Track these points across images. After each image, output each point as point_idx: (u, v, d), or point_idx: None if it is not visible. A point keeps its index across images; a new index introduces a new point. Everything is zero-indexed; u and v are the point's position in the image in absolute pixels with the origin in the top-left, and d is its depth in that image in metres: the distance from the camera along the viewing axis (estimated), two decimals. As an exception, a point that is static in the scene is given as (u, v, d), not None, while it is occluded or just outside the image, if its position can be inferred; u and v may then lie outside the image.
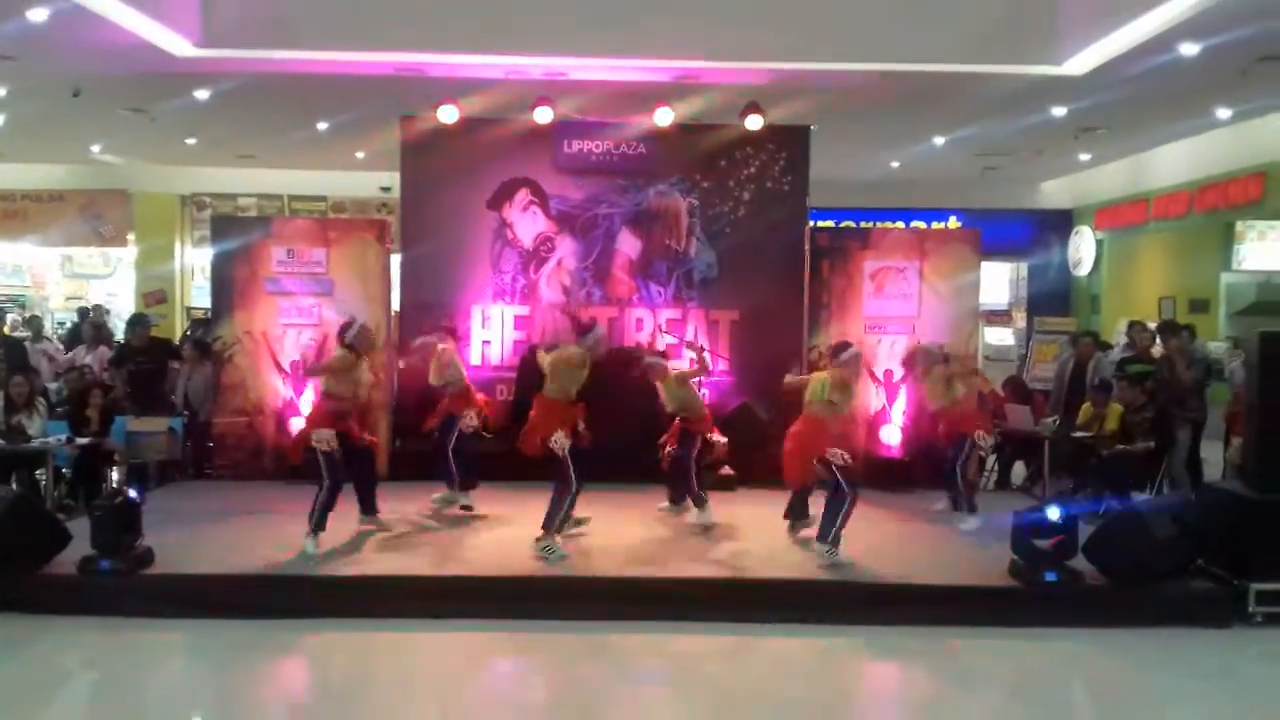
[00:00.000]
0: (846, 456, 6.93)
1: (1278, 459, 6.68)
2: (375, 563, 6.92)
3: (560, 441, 6.96)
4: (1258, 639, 6.35)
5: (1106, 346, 11.51)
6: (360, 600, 6.48)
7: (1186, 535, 6.69)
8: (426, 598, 6.46)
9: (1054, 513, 6.54)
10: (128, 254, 18.70)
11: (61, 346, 13.18)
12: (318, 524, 7.07)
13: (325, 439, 7.15)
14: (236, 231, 10.29)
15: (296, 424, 8.73)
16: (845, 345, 7.50)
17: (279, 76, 11.20)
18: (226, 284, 10.07)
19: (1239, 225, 13.56)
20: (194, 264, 18.56)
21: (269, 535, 7.53)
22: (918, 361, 8.73)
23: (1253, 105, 12.13)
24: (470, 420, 8.22)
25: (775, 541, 7.54)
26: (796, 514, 7.71)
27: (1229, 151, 13.63)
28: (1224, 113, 12.61)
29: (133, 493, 6.79)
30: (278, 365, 9.82)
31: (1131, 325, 10.64)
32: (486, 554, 7.15)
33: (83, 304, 17.03)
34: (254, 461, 9.79)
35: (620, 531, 7.68)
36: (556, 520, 7.03)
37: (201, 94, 12.06)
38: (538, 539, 7.00)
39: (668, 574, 6.77)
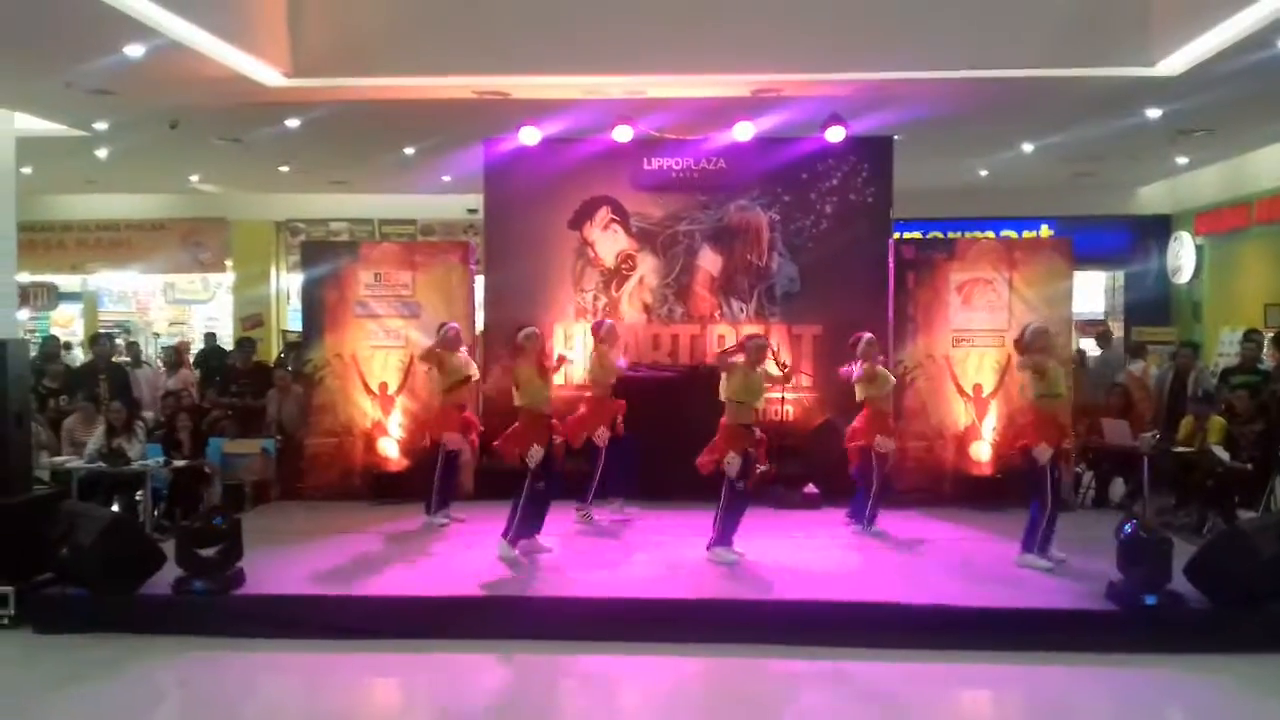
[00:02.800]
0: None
1: (1395, 474, 6.34)
2: (463, 583, 6.95)
3: (534, 454, 7.26)
4: (1374, 665, 6.01)
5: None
6: (436, 621, 6.50)
7: (1295, 555, 6.37)
8: (508, 621, 6.48)
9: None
10: (226, 279, 19.30)
11: (164, 370, 13.64)
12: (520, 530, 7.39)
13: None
14: (325, 257, 10.53)
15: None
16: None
17: (365, 104, 11.44)
18: (317, 308, 10.31)
19: (1348, 228, 12.97)
20: (288, 288, 19.06)
21: (357, 555, 7.65)
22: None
23: (1362, 101, 11.58)
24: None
25: (860, 560, 7.39)
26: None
27: (1336, 151, 13.06)
28: (1331, 110, 12.07)
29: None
30: (366, 387, 10.00)
31: (1246, 334, 10.20)
32: (599, 574, 7.19)
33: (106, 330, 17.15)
34: (344, 482, 9.97)
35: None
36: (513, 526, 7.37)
37: (292, 123, 12.38)
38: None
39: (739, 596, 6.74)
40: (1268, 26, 8.88)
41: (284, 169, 16.07)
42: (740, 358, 7.50)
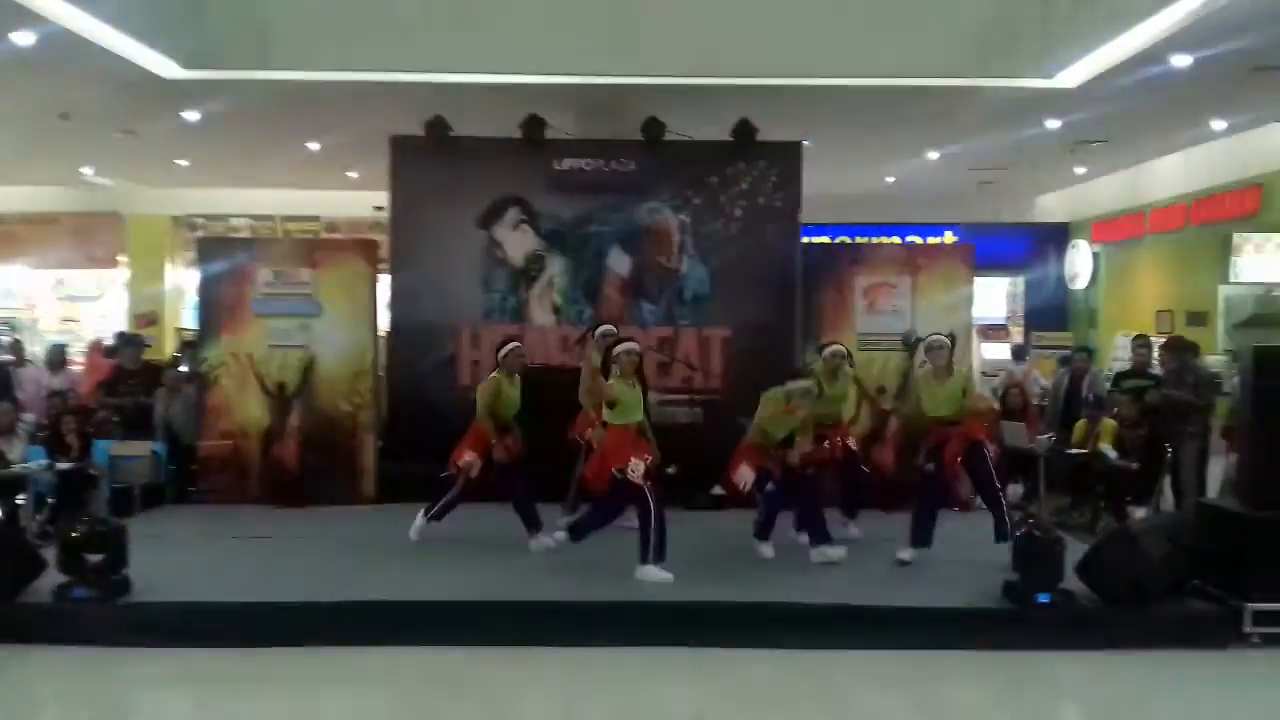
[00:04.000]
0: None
1: (1271, 474, 6.56)
2: (359, 589, 6.79)
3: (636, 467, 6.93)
4: (1254, 661, 6.20)
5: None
6: (352, 625, 6.34)
7: (1181, 554, 6.57)
8: (416, 622, 6.35)
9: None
10: (119, 276, 18.66)
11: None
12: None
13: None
14: (222, 253, 10.22)
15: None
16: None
17: (265, 97, 11.19)
18: (213, 306, 10.00)
19: (1236, 237, 13.48)
20: (186, 285, 18.52)
21: (254, 561, 7.43)
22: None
23: (1248, 117, 12.09)
24: None
25: (763, 560, 7.42)
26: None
27: (1225, 163, 13.59)
28: (1219, 124, 12.57)
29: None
30: (264, 387, 9.73)
31: (1135, 340, 10.52)
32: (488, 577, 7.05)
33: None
34: (240, 485, 9.68)
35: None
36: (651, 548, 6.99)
37: (190, 115, 12.05)
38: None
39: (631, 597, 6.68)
40: (1160, 43, 9.21)
41: (182, 163, 15.63)
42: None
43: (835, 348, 8.38)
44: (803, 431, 7.45)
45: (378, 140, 11.18)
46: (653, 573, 6.92)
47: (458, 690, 5.77)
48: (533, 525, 7.87)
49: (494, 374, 7.88)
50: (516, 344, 8.10)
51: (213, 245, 11.55)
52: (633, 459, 6.92)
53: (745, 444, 7.54)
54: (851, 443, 8.28)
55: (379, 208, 16.96)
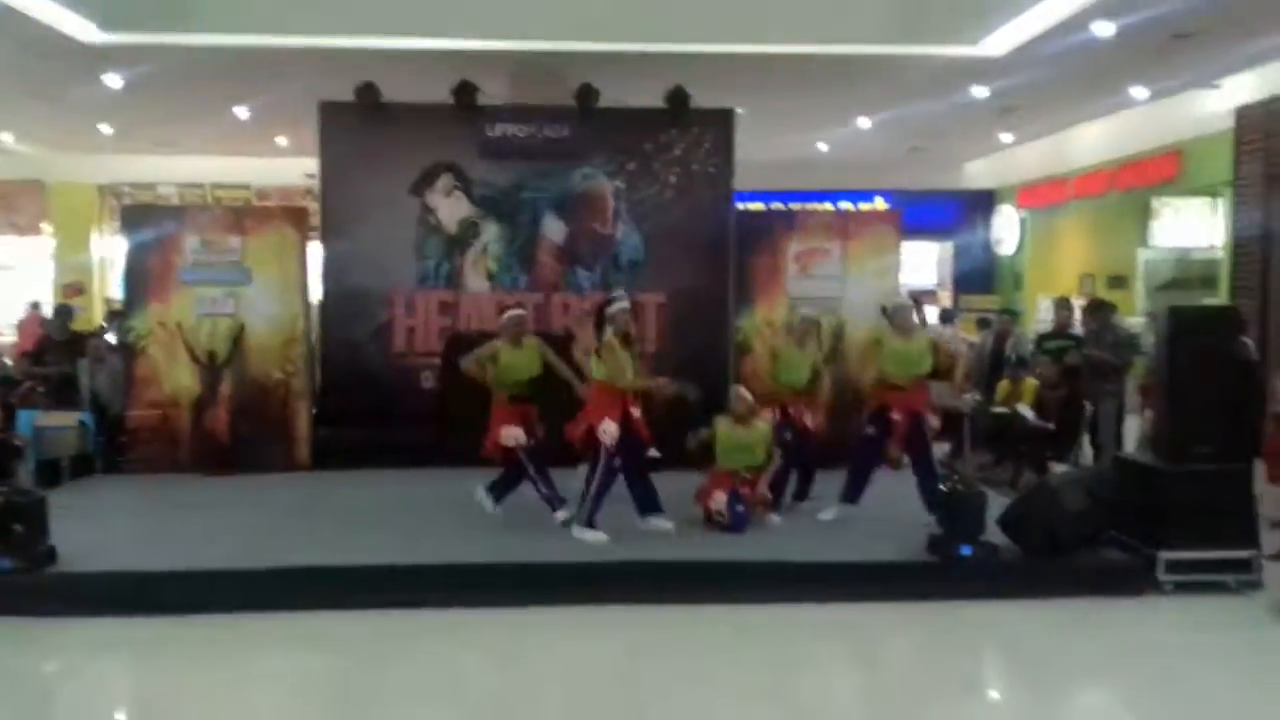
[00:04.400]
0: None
1: (1185, 430, 6.80)
2: (293, 554, 6.77)
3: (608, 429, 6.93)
4: (1167, 607, 6.46)
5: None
6: (286, 591, 6.33)
7: (1098, 506, 6.81)
8: (348, 587, 6.36)
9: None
10: (45, 245, 18.21)
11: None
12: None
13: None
14: (149, 221, 10.01)
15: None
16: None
17: (189, 61, 10.96)
18: (140, 275, 9.81)
19: (1155, 202, 13.84)
20: (113, 255, 18.12)
21: (185, 529, 7.37)
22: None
23: (1167, 84, 12.37)
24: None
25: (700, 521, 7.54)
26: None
27: (1145, 130, 13.90)
28: (1140, 92, 12.84)
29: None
30: (193, 356, 9.59)
31: (1057, 302, 10.80)
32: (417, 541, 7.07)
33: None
34: (170, 455, 9.55)
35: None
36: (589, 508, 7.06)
37: (112, 80, 11.75)
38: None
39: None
40: (1083, 11, 9.40)
41: (106, 129, 15.24)
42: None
43: (806, 312, 8.43)
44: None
45: (307, 106, 11.03)
46: (587, 533, 7.01)
47: (396, 653, 5.81)
48: (499, 494, 7.58)
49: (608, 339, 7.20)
50: (515, 311, 7.69)
51: (138, 213, 11.30)
52: (607, 419, 6.94)
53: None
54: (809, 420, 7.95)
55: (310, 175, 16.78)
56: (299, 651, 5.84)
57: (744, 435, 7.38)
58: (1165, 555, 6.57)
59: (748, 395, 7.51)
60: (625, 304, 7.23)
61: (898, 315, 7.57)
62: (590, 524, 7.05)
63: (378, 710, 5.03)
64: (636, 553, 6.78)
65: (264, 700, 5.25)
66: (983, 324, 12.45)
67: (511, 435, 7.28)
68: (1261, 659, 5.73)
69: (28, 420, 8.97)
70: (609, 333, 7.07)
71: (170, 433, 9.59)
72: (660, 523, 7.24)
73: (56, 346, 10.16)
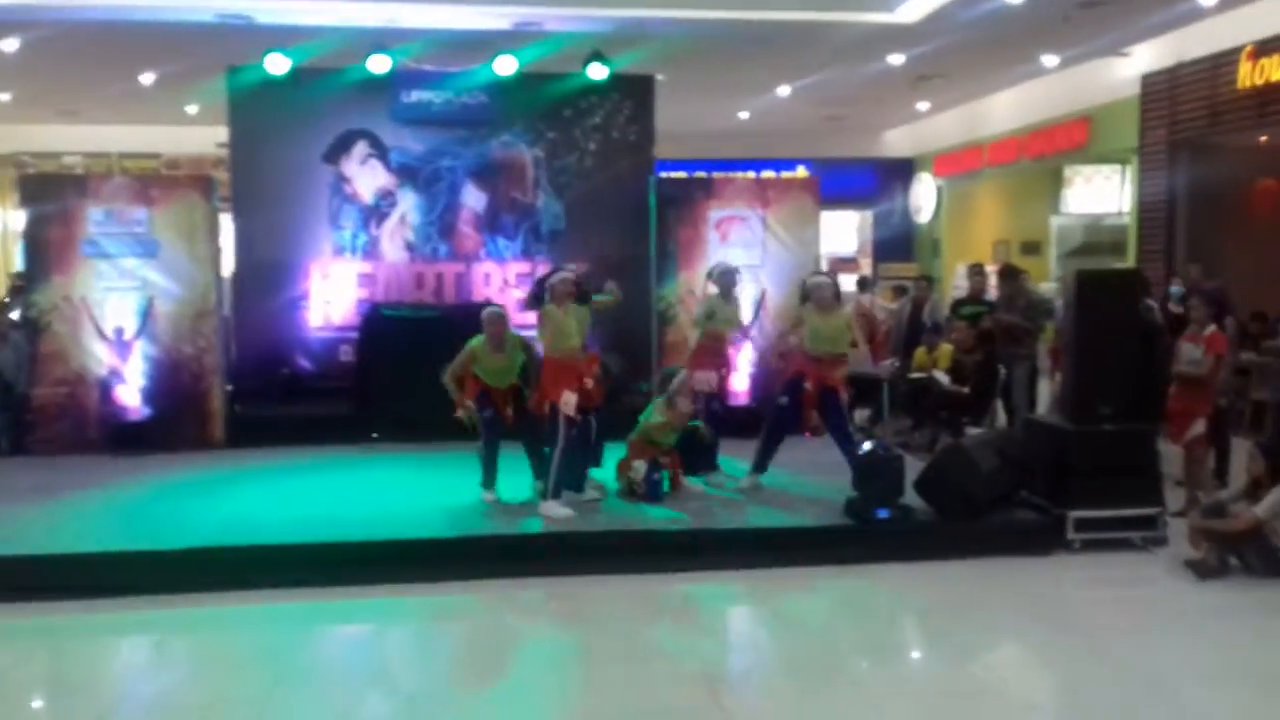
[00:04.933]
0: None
1: (1093, 392, 6.99)
2: (212, 533, 6.63)
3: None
4: (1076, 564, 6.66)
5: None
6: (200, 571, 6.19)
7: (1009, 467, 6.97)
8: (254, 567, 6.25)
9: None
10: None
11: None
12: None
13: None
14: (49, 192, 9.63)
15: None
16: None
17: (90, 25, 10.56)
18: (42, 247, 9.44)
19: (1066, 170, 14.15)
20: (15, 227, 17.47)
21: (92, 512, 7.17)
22: None
23: (1076, 51, 12.62)
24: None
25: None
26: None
27: (1056, 98, 14.18)
28: (1050, 60, 13.08)
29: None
30: (100, 332, 9.31)
31: (970, 269, 10.99)
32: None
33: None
34: (78, 434, 9.26)
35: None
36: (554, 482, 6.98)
37: (8, 44, 11.29)
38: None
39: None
40: (996, -23, 9.51)
41: (3, 96, 14.65)
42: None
43: (726, 264, 8.62)
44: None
45: (216, 73, 10.71)
46: (554, 509, 6.89)
47: (313, 633, 5.74)
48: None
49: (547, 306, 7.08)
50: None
51: (38, 183, 10.89)
52: (565, 392, 6.85)
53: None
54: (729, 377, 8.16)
55: (222, 144, 16.33)
56: (212, 632, 5.74)
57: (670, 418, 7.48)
58: (1074, 514, 6.75)
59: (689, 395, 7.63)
60: (567, 274, 7.14)
61: (817, 292, 7.65)
62: (557, 496, 6.94)
63: (285, 691, 4.97)
64: (525, 526, 6.78)
65: (179, 682, 5.15)
66: (899, 291, 12.65)
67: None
68: (1166, 612, 5.93)
69: (-75, 400, 8.64)
70: (547, 300, 6.98)
71: (78, 411, 9.30)
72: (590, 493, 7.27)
73: (-46, 323, 9.78)
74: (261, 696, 4.81)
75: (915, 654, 5.75)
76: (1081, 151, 13.98)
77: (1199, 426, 7.27)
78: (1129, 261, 12.76)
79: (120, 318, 9.31)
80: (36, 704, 5.08)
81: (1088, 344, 7.10)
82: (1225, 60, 11.21)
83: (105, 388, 9.27)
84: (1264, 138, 11.86)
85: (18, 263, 16.99)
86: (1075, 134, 13.96)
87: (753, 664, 5.45)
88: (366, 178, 10.72)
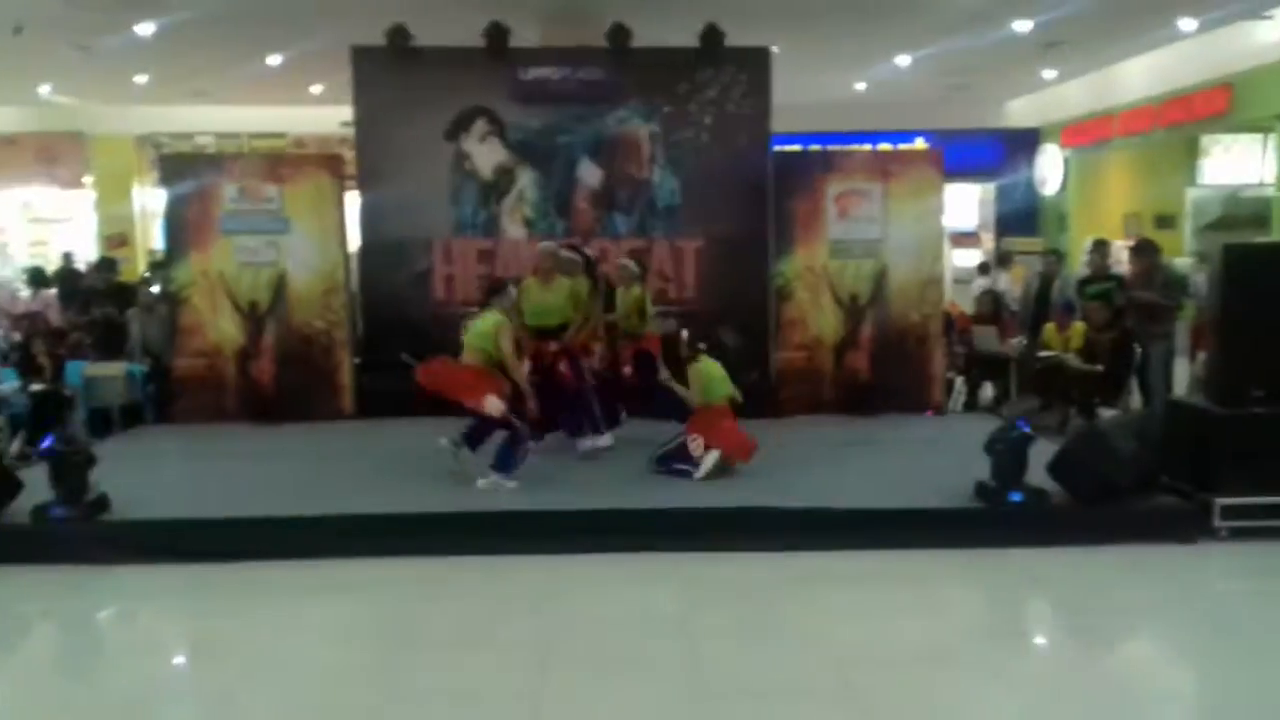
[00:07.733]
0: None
1: (1240, 373, 6.67)
2: (346, 502, 6.82)
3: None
4: (1222, 553, 6.38)
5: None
6: (331, 538, 6.39)
7: (1149, 451, 6.71)
8: (390, 535, 6.41)
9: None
10: (87, 197, 18.33)
11: (28, 292, 12.89)
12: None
13: None
14: (186, 171, 10.00)
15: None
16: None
17: (218, 8, 10.88)
18: (180, 225, 9.82)
19: (1204, 139, 13.51)
20: (154, 205, 18.22)
21: (233, 478, 7.45)
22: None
23: (1216, 15, 11.99)
24: None
25: (747, 466, 7.49)
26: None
27: (1193, 64, 13.52)
28: (1188, 24, 12.46)
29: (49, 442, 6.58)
30: (236, 306, 9.63)
31: (1094, 244, 10.57)
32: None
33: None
34: (217, 404, 9.63)
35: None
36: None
37: (144, 29, 11.71)
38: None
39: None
40: (1132, -62, 9.08)
41: (140, 79, 15.23)
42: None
43: (626, 261, 8.78)
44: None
45: (340, 53, 10.93)
46: (496, 479, 7.05)
47: (438, 598, 5.86)
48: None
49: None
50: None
51: (175, 163, 11.28)
52: (488, 396, 7.06)
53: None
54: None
55: (345, 123, 16.72)
56: (343, 598, 5.90)
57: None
58: (1220, 500, 6.46)
59: None
60: (546, 246, 8.17)
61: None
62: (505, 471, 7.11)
63: (413, 656, 5.08)
64: (661, 501, 6.78)
65: (309, 646, 5.30)
66: (1001, 263, 12.17)
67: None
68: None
69: (76, 371, 9.07)
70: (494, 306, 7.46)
71: (216, 382, 9.66)
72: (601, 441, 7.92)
73: (102, 297, 10.23)
74: (386, 664, 4.92)
75: (1051, 642, 5.58)
76: (1221, 119, 13.32)
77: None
78: (1271, 235, 12.14)
79: (254, 293, 9.62)
80: (178, 660, 5.36)
81: (1236, 322, 6.79)
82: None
83: (241, 360, 9.60)
84: None
85: (157, 240, 17.81)
86: (1215, 101, 13.29)
87: (882, 645, 5.34)
88: (486, 155, 10.82)
